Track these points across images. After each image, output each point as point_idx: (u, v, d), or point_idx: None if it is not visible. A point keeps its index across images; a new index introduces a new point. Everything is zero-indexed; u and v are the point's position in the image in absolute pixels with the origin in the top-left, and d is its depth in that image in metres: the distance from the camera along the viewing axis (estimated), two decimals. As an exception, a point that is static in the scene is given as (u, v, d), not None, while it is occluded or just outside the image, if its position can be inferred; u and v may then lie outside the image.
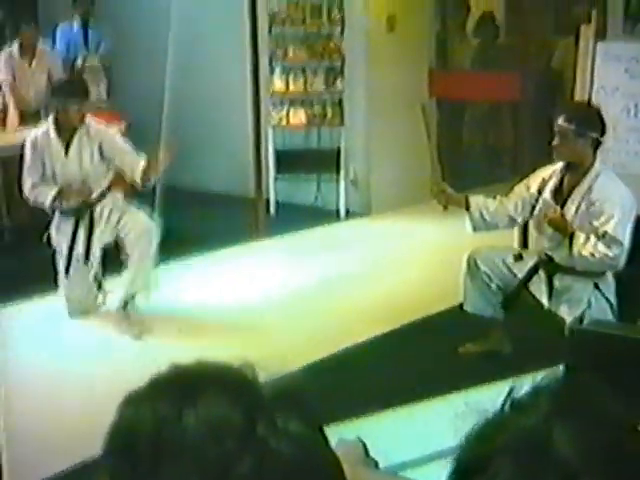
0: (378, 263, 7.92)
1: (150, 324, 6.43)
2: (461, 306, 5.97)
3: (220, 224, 8.83)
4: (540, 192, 5.61)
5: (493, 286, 5.77)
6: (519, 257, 5.75)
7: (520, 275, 5.68)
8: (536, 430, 1.05)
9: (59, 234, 6.59)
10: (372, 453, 2.28)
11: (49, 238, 6.62)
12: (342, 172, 9.47)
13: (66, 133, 6.48)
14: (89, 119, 6.54)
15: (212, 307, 6.89)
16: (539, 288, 5.63)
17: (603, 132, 5.49)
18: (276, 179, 9.53)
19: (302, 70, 9.40)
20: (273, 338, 6.18)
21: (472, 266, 5.83)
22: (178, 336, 6.27)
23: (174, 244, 7.50)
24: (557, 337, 3.07)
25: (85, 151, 6.49)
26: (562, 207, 5.47)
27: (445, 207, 5.99)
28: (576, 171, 5.48)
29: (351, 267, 7.78)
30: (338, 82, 9.37)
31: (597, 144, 5.47)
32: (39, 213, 6.78)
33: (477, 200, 5.81)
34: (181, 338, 6.22)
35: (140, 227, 6.46)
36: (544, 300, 5.60)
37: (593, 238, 5.29)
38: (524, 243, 6.99)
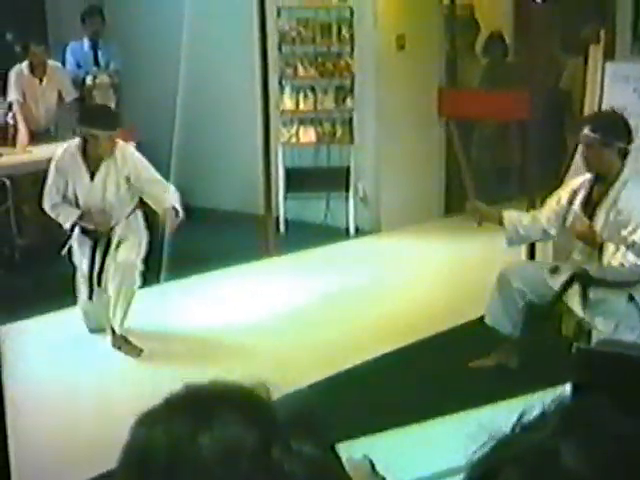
0: (388, 280, 7.93)
1: (158, 342, 6.43)
2: (481, 318, 5.99)
3: (230, 242, 8.85)
4: (571, 203, 5.62)
5: (522, 304, 5.77)
6: (555, 270, 5.72)
7: (556, 288, 5.67)
8: (544, 443, 1.06)
9: (80, 251, 6.50)
10: (382, 472, 2.30)
11: (70, 252, 6.53)
12: (351, 190, 9.50)
13: (93, 160, 6.35)
14: (119, 146, 6.38)
15: (222, 325, 6.88)
16: (574, 300, 5.62)
17: (630, 140, 5.48)
18: (286, 197, 9.56)
19: (312, 88, 9.44)
20: (283, 355, 6.18)
21: (503, 283, 5.82)
22: (187, 354, 6.29)
23: (184, 262, 7.52)
24: (565, 355, 3.09)
25: (110, 180, 6.36)
26: (591, 218, 5.48)
27: (479, 224, 6.03)
28: (604, 181, 5.48)
29: (361, 284, 7.78)
30: (348, 100, 9.41)
31: (625, 153, 5.46)
32: (50, 231, 6.81)
33: (511, 215, 5.86)
34: (191, 356, 6.23)
35: (122, 261, 6.34)
36: (579, 312, 5.58)
37: (622, 248, 5.29)
38: (531, 255, 7.03)
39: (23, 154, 8.53)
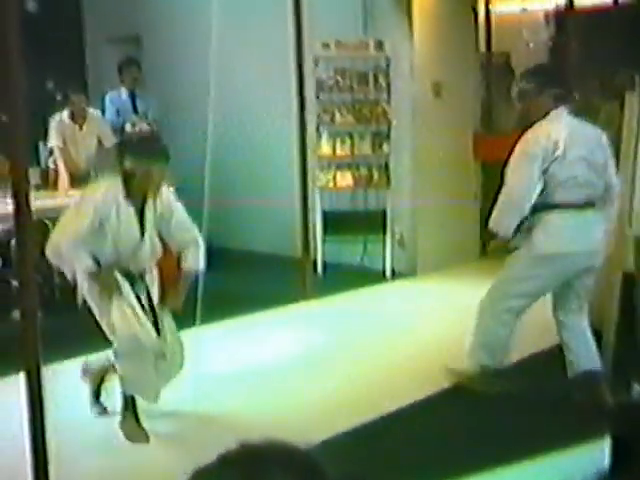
0: (424, 323, 7.95)
1: (192, 387, 6.43)
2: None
3: (268, 285, 8.92)
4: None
5: None
6: None
7: None
8: None
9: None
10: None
11: None
12: (388, 233, 9.57)
13: (137, 200, 5.57)
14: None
15: (258, 368, 6.89)
16: None
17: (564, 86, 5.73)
18: (324, 240, 9.63)
19: (349, 134, 9.55)
20: (322, 398, 6.19)
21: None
22: (226, 396, 6.32)
23: (222, 305, 7.57)
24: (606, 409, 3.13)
25: (150, 223, 5.66)
26: None
27: None
28: None
29: (398, 327, 7.81)
30: (384, 146, 9.50)
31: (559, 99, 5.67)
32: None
33: None
34: (229, 398, 6.26)
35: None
36: None
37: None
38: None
39: (64, 197, 8.65)
